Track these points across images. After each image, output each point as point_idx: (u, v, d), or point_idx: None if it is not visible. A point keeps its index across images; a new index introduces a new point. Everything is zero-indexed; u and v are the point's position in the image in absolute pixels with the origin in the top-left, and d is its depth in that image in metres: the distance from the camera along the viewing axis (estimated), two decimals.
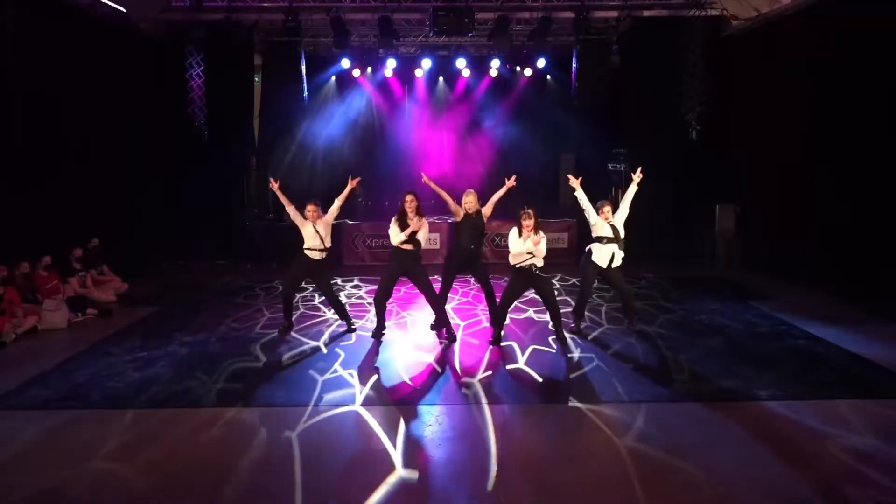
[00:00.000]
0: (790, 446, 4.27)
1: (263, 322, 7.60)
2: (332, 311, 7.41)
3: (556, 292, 6.55)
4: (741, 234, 10.84)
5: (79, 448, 4.37)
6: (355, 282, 10.06)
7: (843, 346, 6.34)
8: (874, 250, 7.73)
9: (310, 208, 6.83)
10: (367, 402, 5.12)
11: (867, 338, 6.58)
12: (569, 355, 6.25)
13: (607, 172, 12.24)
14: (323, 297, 7.22)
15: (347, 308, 7.45)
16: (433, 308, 6.86)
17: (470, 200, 6.73)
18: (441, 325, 6.97)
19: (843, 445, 4.27)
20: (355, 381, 5.62)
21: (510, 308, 6.80)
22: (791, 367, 5.83)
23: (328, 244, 6.89)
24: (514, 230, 6.35)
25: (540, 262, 6.33)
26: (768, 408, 4.89)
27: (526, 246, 6.20)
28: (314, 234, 6.80)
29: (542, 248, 6.26)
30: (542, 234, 6.26)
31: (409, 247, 6.59)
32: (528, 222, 6.22)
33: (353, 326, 7.21)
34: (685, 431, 4.53)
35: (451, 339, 6.74)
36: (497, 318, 6.72)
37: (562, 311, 6.82)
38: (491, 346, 6.53)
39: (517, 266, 6.37)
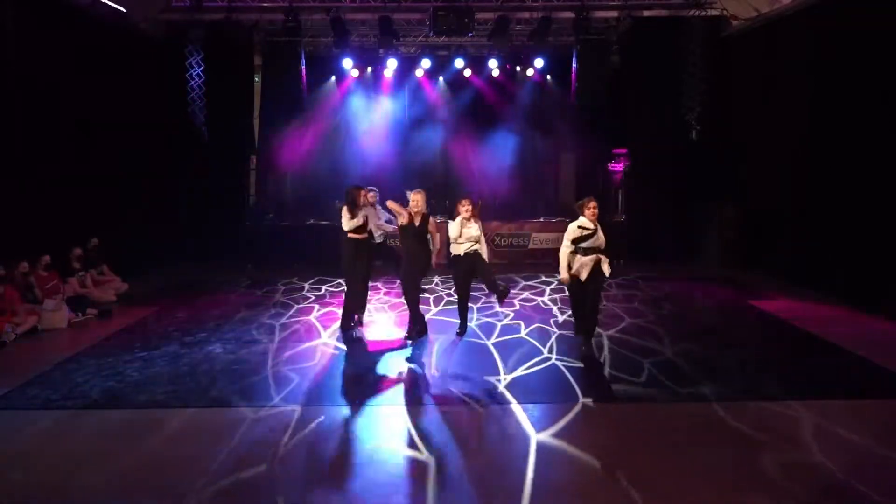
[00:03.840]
0: (790, 446, 4.27)
1: (264, 321, 7.60)
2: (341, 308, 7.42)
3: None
4: (741, 234, 10.84)
5: (79, 448, 4.36)
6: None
7: (843, 346, 6.34)
8: (874, 250, 7.73)
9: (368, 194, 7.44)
10: (371, 403, 5.12)
11: (867, 338, 6.57)
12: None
13: (607, 172, 12.28)
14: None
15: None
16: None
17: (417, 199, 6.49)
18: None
19: (843, 445, 4.27)
20: (356, 381, 5.62)
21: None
22: (790, 366, 5.84)
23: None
24: (454, 222, 6.53)
25: (482, 250, 6.60)
26: (767, 408, 4.88)
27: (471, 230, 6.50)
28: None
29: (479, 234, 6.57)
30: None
31: (360, 235, 6.96)
32: (470, 207, 6.50)
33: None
34: (684, 431, 4.53)
35: (421, 333, 6.82)
36: (462, 311, 6.94)
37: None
38: (459, 337, 6.82)
39: (462, 254, 6.56)
